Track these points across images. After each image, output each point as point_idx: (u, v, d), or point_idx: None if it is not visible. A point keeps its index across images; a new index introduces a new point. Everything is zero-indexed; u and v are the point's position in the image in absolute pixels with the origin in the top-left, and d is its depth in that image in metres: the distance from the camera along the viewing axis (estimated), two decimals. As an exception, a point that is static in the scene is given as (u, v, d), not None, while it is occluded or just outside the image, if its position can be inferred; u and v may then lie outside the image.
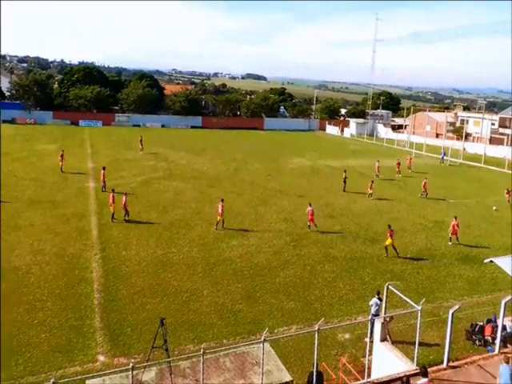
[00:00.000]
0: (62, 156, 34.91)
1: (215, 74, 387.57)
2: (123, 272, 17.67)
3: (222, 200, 23.27)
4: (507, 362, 10.50)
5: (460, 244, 22.30)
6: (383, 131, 75.97)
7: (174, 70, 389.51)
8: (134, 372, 8.76)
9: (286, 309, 15.31)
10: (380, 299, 13.36)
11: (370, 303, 13.68)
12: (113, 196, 23.60)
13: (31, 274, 17.07)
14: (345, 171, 33.13)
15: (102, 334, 13.48)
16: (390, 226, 20.55)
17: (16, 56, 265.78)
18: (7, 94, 74.44)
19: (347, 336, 13.68)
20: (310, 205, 23.71)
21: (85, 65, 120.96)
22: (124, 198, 23.50)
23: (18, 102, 71.80)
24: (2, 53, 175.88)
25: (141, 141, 45.80)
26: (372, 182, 31.56)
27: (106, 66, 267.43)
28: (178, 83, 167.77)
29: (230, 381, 9.68)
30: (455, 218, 22.66)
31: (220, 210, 22.84)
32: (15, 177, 32.11)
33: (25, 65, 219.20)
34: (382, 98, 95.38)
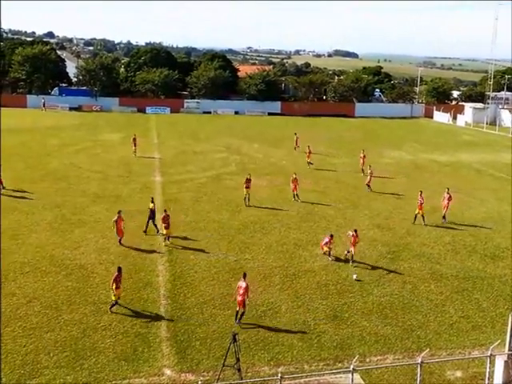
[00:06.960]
0: (134, 140, 40.28)
1: (297, 52, 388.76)
2: (191, 278, 18.52)
3: (166, 210, 21.63)
4: None
5: None
6: (509, 119, 70.74)
7: (249, 48, 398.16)
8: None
9: (380, 334, 14.97)
10: None
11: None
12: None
13: (96, 273, 18.59)
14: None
15: (169, 344, 14.28)
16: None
17: (82, 39, 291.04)
18: (74, 79, 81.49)
19: (458, 374, 13.04)
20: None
21: (152, 46, 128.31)
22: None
23: (84, 87, 78.29)
24: (69, 36, 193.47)
25: (134, 140, 40.45)
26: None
27: (175, 46, 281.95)
28: (254, 63, 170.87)
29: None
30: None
31: (165, 224, 20.96)
32: (80, 169, 35.10)
33: (91, 48, 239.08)
34: (506, 76, 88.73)
